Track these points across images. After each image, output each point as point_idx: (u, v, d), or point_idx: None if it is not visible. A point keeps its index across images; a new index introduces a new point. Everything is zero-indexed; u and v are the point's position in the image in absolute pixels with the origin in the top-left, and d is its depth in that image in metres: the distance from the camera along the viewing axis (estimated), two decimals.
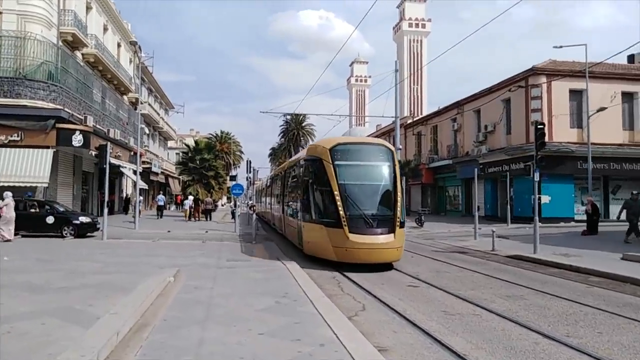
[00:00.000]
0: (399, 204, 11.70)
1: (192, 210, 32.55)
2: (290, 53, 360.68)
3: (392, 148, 13.04)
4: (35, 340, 5.12)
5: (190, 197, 32.90)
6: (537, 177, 14.62)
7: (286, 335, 5.63)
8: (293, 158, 18.47)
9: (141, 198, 33.07)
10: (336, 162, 11.79)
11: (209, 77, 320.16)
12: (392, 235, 11.31)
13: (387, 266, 11.63)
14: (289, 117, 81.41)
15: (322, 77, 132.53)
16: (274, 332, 5.76)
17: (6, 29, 21.94)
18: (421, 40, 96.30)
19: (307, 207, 12.48)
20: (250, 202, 35.60)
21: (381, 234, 11.25)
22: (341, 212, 11.18)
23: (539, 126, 14.36)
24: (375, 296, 8.45)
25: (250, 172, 30.08)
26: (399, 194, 11.90)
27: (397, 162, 12.54)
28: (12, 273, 9.14)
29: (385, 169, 12.24)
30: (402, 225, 11.68)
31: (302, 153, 15.80)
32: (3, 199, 16.60)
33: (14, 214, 16.49)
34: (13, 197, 18.71)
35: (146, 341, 5.42)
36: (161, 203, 35.14)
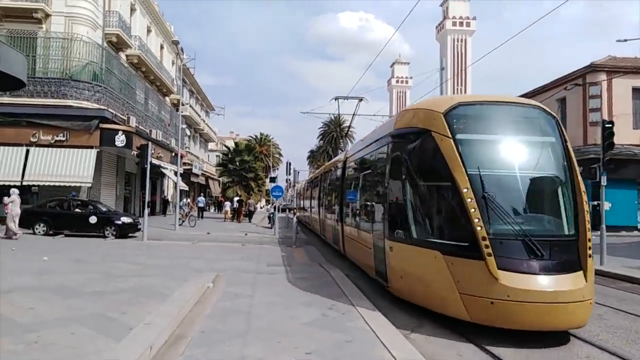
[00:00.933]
0: (584, 214, 6.58)
1: (236, 211, 32.99)
2: (329, 55, 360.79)
3: (553, 113, 7.56)
4: (61, 353, 4.60)
5: (235, 199, 33.68)
6: (604, 181, 13.32)
7: (338, 357, 4.91)
8: (366, 137, 12.06)
9: (188, 200, 32.00)
10: (460, 136, 6.72)
11: (248, 81, 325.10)
12: (580, 275, 6.17)
13: (556, 335, 6.18)
14: (328, 119, 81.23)
15: (361, 79, 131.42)
16: (323, 352, 5.05)
17: (54, 30, 22.32)
18: (465, 40, 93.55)
19: (399, 215, 7.55)
20: (289, 204, 34.98)
21: (561, 271, 6.12)
22: (478, 229, 6.11)
23: (606, 125, 13.05)
24: None
25: (290, 173, 29.69)
26: (581, 195, 6.70)
27: (567, 138, 7.19)
28: (48, 274, 8.87)
29: (552, 149, 7.05)
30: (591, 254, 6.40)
31: (385, 126, 9.80)
32: (9, 195, 16.50)
33: (19, 211, 16.32)
34: (67, 197, 19.11)
35: (182, 357, 4.83)
36: (201, 205, 35.83)
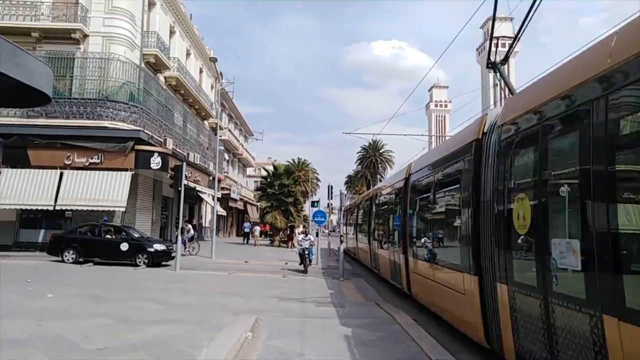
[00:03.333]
0: None
1: (288, 238, 33.73)
2: (364, 83, 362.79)
3: None
4: None
5: (298, 231, 34.01)
6: None
7: None
8: (435, 148, 10.51)
9: (189, 227, 28.06)
10: None
11: (285, 108, 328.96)
12: None
13: None
14: (366, 144, 79.66)
15: (394, 106, 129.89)
16: None
17: (92, 50, 21.77)
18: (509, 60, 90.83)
19: None
20: (332, 231, 32.65)
21: None
22: None
23: None
24: None
25: (331, 197, 27.87)
26: None
27: None
28: (49, 319, 7.26)
29: None
30: None
31: (469, 131, 7.22)
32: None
33: None
34: (99, 222, 18.06)
35: None
36: (247, 230, 36.12)
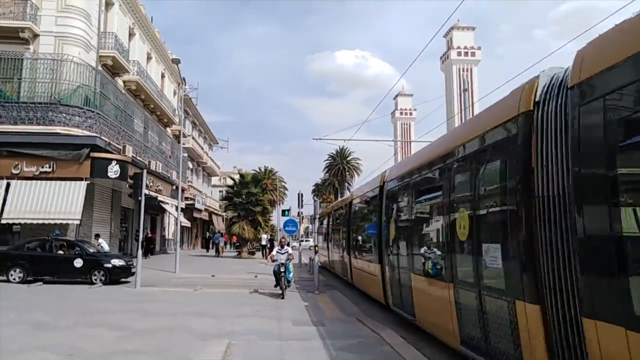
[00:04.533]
0: None
1: (265, 249, 33.59)
2: (328, 92, 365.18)
3: None
4: None
5: (264, 236, 34.03)
6: None
7: None
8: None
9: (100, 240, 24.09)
10: None
11: (249, 117, 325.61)
12: None
13: None
14: (334, 151, 79.46)
15: (358, 114, 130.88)
16: None
17: (43, 51, 20.22)
18: (471, 69, 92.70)
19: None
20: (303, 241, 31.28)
21: None
22: None
23: None
24: None
25: (301, 206, 27.00)
26: None
27: None
28: None
29: None
30: None
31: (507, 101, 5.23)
32: None
33: None
34: (49, 236, 16.52)
35: None
36: (218, 241, 36.31)
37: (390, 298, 10.07)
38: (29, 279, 15.17)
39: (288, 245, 14.79)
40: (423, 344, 7.21)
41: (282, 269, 12.98)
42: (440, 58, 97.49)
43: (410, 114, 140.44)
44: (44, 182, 18.63)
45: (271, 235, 33.71)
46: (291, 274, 13.88)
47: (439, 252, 6.95)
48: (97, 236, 19.92)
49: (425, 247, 7.68)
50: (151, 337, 7.32)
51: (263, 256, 32.04)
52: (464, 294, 5.88)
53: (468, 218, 5.74)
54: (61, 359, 5.94)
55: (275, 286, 13.22)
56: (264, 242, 34.60)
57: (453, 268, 6.25)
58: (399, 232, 9.26)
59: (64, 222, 18.37)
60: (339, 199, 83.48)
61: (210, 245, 42.60)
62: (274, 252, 13.82)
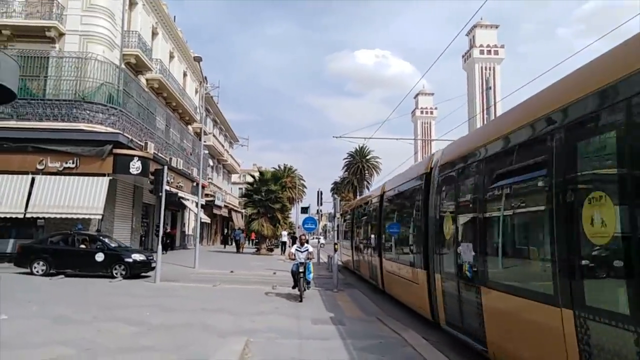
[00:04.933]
0: None
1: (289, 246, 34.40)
2: (347, 91, 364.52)
3: None
4: None
5: (284, 233, 34.82)
6: None
7: None
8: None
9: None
10: None
11: (268, 116, 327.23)
12: None
13: None
14: (353, 149, 79.16)
15: (377, 114, 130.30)
16: None
17: (68, 50, 20.54)
18: (494, 67, 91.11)
19: None
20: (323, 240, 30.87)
21: None
22: None
23: None
24: None
25: (321, 204, 26.89)
26: None
27: None
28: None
29: None
30: None
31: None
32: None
33: None
34: (72, 230, 16.83)
35: None
36: (239, 238, 36.19)
37: (442, 314, 7.93)
38: (51, 272, 15.42)
39: (307, 242, 13.42)
40: (445, 347, 7.01)
41: (302, 269, 11.82)
42: (463, 56, 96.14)
43: (431, 112, 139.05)
44: (67, 177, 18.92)
45: (292, 232, 33.74)
46: (311, 275, 12.52)
47: (541, 261, 5.04)
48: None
49: (510, 252, 5.94)
50: (168, 333, 7.29)
51: (282, 253, 32.17)
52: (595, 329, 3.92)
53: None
54: (78, 354, 5.94)
55: (294, 287, 12.09)
56: (284, 239, 34.81)
57: (573, 286, 4.25)
58: (461, 230, 7.39)
59: (87, 217, 18.61)
60: (358, 197, 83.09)
61: (229, 242, 43.05)
62: (292, 250, 12.67)
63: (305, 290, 12.02)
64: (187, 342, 6.70)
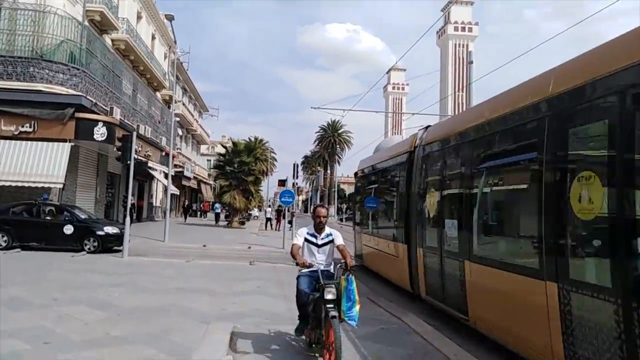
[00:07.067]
0: None
1: (273, 221, 33.59)
2: (318, 65, 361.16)
3: None
4: None
5: (268, 210, 35.02)
6: None
7: None
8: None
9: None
10: None
11: (238, 88, 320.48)
12: None
13: None
14: (325, 124, 78.28)
15: (349, 89, 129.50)
16: None
17: (23, 1, 18.59)
18: (467, 45, 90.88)
19: None
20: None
21: None
22: None
23: None
24: None
25: (296, 177, 26.02)
26: None
27: None
28: None
29: None
30: None
31: None
32: None
33: None
34: (37, 200, 15.38)
35: None
36: (218, 211, 36.38)
37: (422, 286, 8.22)
38: (14, 245, 14.16)
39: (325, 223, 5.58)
40: (448, 328, 6.41)
41: (331, 295, 4.82)
42: (437, 32, 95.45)
43: (402, 88, 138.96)
44: (24, 142, 17.33)
45: (278, 207, 33.04)
46: (355, 309, 4.83)
47: (527, 236, 5.16)
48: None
49: (495, 226, 6.17)
50: (142, 320, 6.38)
51: (267, 228, 32.07)
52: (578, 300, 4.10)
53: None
54: (34, 350, 4.93)
55: (299, 333, 5.54)
56: (269, 215, 34.36)
57: (558, 260, 4.38)
58: (446, 206, 7.54)
59: (46, 185, 17.14)
60: (328, 171, 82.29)
61: (189, 213, 42.17)
62: (297, 241, 5.39)
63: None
64: (165, 330, 5.83)
